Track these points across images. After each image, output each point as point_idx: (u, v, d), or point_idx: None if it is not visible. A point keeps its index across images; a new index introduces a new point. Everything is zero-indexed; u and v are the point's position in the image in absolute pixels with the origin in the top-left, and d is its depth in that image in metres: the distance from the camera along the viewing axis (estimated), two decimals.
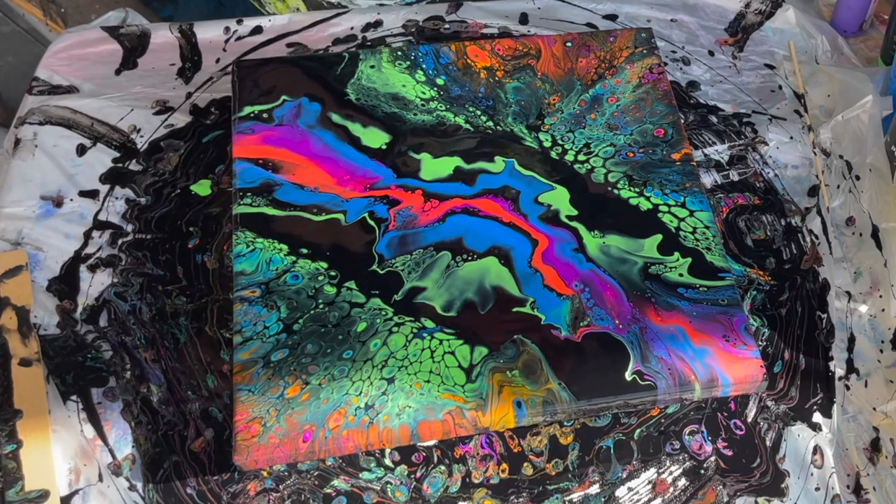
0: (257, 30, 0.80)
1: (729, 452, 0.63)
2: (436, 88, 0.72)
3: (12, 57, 1.03)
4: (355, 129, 0.69)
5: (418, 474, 0.61)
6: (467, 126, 0.70)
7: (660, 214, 0.67)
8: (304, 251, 0.63)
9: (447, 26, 0.82)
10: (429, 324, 0.60)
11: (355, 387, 0.57)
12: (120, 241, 0.67)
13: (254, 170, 0.66)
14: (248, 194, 0.65)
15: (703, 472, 0.62)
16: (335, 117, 0.69)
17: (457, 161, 0.68)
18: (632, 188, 0.68)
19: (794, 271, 0.71)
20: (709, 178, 0.75)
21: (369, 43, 0.80)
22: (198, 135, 0.73)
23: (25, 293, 0.64)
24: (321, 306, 0.60)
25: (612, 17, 0.84)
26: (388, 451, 0.61)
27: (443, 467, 0.61)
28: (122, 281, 0.66)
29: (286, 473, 0.60)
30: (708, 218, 0.67)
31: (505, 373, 0.59)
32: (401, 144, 0.68)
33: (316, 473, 0.60)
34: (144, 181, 0.70)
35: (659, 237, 0.65)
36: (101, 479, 0.59)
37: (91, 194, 0.69)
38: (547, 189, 0.67)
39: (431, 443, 0.61)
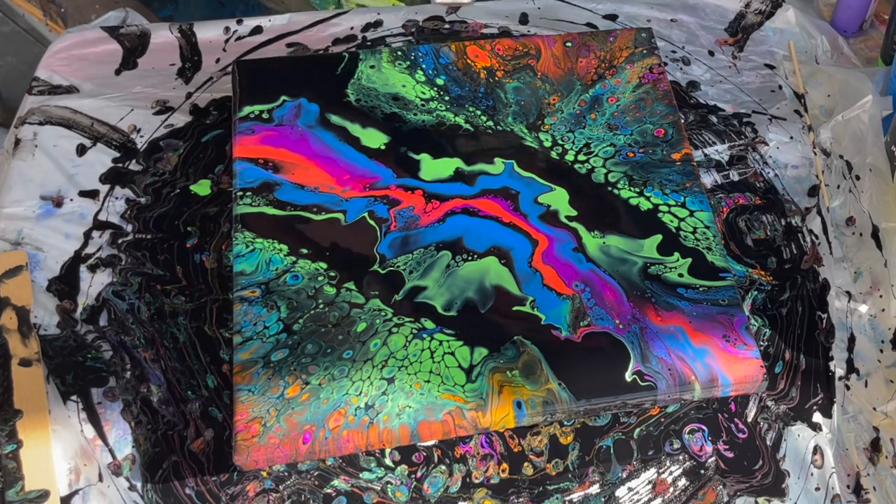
0: (257, 30, 0.80)
1: (730, 454, 0.63)
2: (436, 88, 0.72)
3: (12, 57, 1.03)
4: (355, 129, 0.69)
5: (419, 474, 0.61)
6: (467, 126, 0.70)
7: (660, 214, 0.67)
8: (304, 251, 0.63)
9: (447, 26, 0.82)
10: (429, 324, 0.60)
11: (355, 387, 0.57)
12: (120, 241, 0.67)
13: (254, 170, 0.66)
14: (248, 194, 0.65)
15: (703, 472, 0.62)
16: (335, 117, 0.69)
17: (457, 162, 0.68)
18: (632, 188, 0.68)
19: (794, 271, 0.71)
20: (709, 178, 0.75)
21: (369, 43, 0.80)
22: (197, 135, 0.73)
23: (25, 293, 0.64)
24: (321, 306, 0.60)
25: (612, 17, 0.84)
26: (388, 450, 0.61)
27: (443, 467, 0.61)
28: (122, 280, 0.66)
29: (286, 474, 0.60)
30: (708, 218, 0.67)
31: (505, 373, 0.59)
32: (400, 145, 0.68)
33: (316, 473, 0.60)
34: (144, 181, 0.70)
35: (659, 237, 0.65)
36: (101, 479, 0.58)
37: (91, 194, 0.69)
38: (546, 190, 0.67)
39: (431, 442, 0.61)
